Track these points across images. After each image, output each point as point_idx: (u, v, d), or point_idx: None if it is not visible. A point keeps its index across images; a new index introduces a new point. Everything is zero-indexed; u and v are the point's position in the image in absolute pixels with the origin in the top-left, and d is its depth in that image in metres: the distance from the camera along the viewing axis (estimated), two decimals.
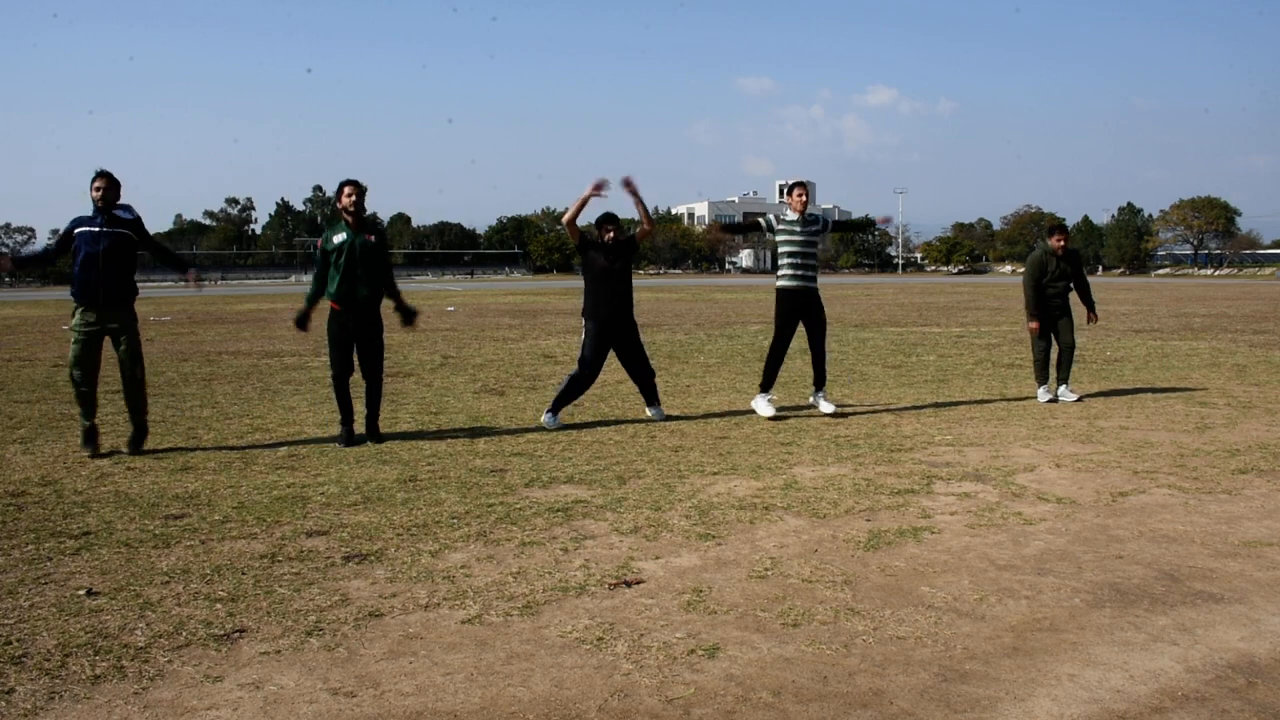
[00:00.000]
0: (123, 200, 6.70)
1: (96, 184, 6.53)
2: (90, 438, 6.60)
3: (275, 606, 3.75)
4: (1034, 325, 8.92)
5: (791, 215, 7.91)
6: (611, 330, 7.72)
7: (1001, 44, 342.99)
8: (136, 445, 6.71)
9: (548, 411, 7.66)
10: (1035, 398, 8.88)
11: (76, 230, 6.53)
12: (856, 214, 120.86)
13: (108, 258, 6.47)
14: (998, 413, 8.22)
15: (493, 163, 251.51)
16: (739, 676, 3.12)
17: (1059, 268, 8.91)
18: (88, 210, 6.60)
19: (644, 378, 7.93)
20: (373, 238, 6.98)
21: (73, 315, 6.60)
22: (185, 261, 7.35)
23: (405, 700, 2.98)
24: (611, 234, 7.71)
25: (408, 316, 7.32)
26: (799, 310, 7.93)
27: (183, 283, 7.66)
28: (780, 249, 7.96)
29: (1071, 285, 9.04)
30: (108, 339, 6.67)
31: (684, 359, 13.07)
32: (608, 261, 7.66)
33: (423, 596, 3.86)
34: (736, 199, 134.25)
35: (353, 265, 6.86)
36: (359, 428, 7.08)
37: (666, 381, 10.47)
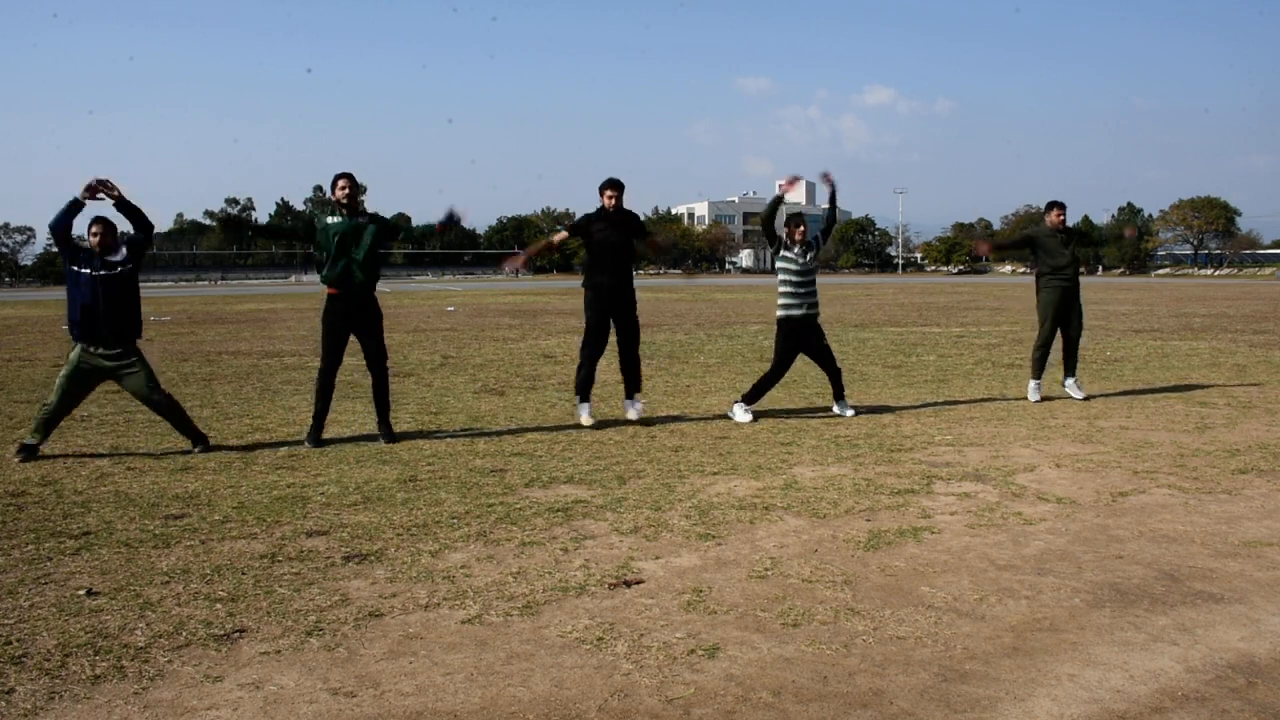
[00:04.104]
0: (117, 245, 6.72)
1: (94, 229, 6.53)
2: (29, 452, 6.53)
3: (275, 606, 3.75)
4: (983, 247, 10.22)
5: (794, 249, 7.94)
6: (610, 297, 7.63)
7: (1001, 44, 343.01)
8: (201, 446, 6.76)
9: (581, 403, 7.69)
10: (1028, 393, 8.86)
11: (75, 267, 6.50)
12: (856, 214, 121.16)
13: (107, 301, 6.48)
14: (998, 413, 8.22)
15: (493, 163, 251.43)
16: (739, 676, 3.12)
17: (1060, 241, 8.83)
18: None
19: (631, 354, 7.81)
20: (364, 219, 6.98)
21: (72, 349, 6.61)
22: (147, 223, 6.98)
23: (405, 700, 2.98)
24: (614, 199, 7.67)
25: (446, 218, 7.33)
26: (801, 339, 7.99)
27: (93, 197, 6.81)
28: (782, 278, 7.96)
29: (1081, 271, 9.04)
30: (108, 381, 6.72)
31: (684, 359, 13.07)
32: (606, 233, 7.63)
33: (423, 596, 3.86)
34: (736, 199, 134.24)
35: (346, 247, 6.86)
36: (339, 428, 7.08)
37: (666, 381, 10.47)
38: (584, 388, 7.74)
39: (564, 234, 8.03)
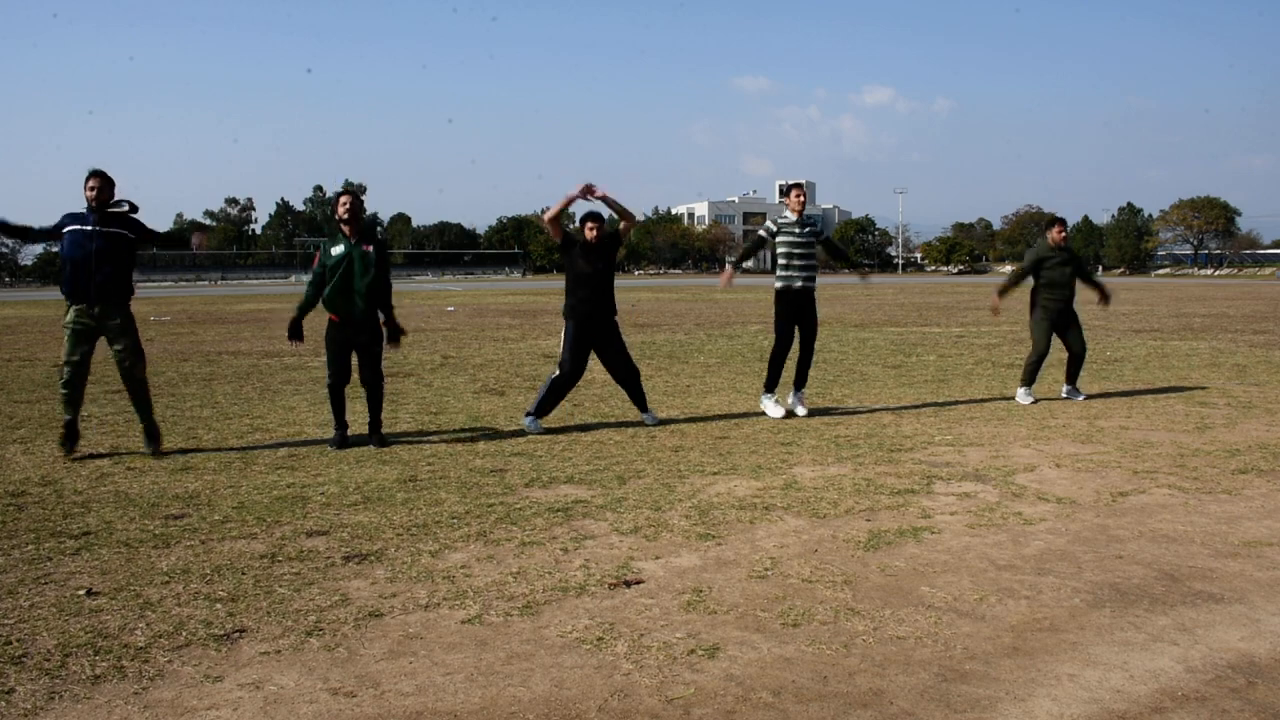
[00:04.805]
0: (118, 198, 6.70)
1: (90, 183, 6.52)
2: (69, 434, 6.54)
3: (275, 606, 3.75)
4: (997, 303, 9.75)
5: (790, 216, 7.98)
6: (590, 330, 7.57)
7: (1001, 44, 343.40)
8: (154, 445, 6.71)
9: (528, 414, 7.56)
10: (1017, 398, 8.79)
11: (66, 229, 6.49)
12: (856, 214, 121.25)
13: (100, 257, 6.44)
14: (998, 413, 8.22)
15: (493, 163, 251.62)
16: (739, 676, 3.12)
17: (1060, 259, 8.77)
18: (81, 207, 6.57)
19: (629, 380, 7.76)
20: (370, 248, 6.93)
21: (66, 313, 6.58)
22: (184, 234, 7.52)
23: (405, 700, 2.98)
24: (595, 232, 7.61)
25: (394, 334, 7.19)
26: (797, 310, 7.98)
27: (197, 248, 7.73)
28: (780, 249, 8.00)
29: (1077, 285, 8.93)
30: (102, 339, 6.63)
31: (684, 359, 13.07)
32: (589, 263, 7.54)
33: (423, 596, 3.86)
34: (736, 199, 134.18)
35: (350, 278, 6.83)
36: (353, 430, 7.06)
37: (666, 381, 10.47)
38: (543, 408, 7.57)
39: (561, 233, 7.86)
